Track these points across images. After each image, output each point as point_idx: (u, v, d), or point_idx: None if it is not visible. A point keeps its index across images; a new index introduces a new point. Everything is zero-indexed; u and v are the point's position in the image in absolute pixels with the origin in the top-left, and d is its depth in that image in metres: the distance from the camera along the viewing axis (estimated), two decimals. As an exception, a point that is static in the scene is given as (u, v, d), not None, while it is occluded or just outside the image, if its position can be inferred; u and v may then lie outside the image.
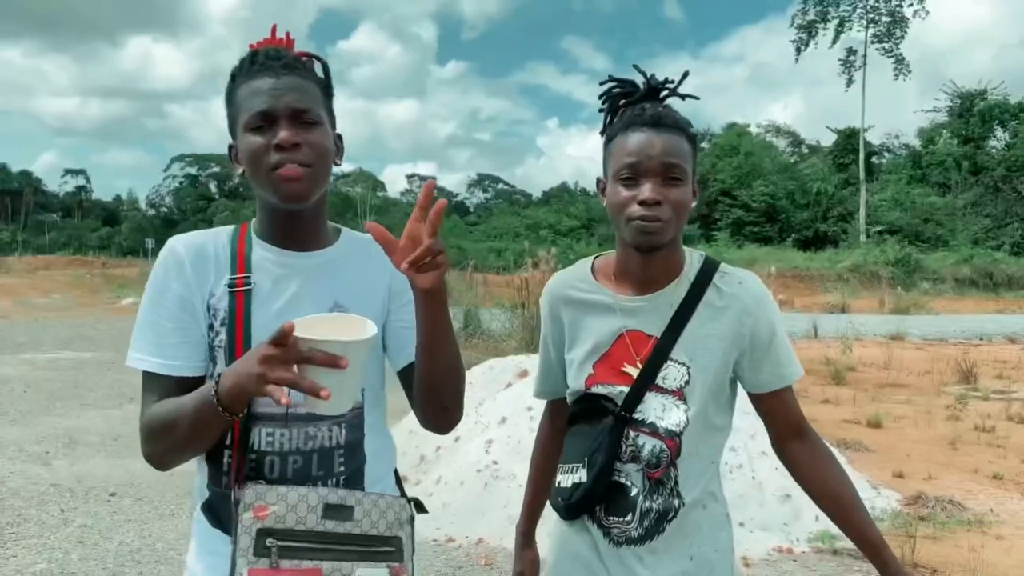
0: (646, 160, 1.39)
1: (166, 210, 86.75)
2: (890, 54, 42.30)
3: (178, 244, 1.37)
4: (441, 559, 3.80)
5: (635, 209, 1.39)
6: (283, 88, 1.30)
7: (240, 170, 1.35)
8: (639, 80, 1.52)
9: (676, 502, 1.47)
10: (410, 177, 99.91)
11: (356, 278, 1.42)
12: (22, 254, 56.30)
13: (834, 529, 1.79)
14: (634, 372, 1.47)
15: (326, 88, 1.39)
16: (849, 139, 47.47)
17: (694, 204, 1.47)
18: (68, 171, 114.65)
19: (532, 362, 5.21)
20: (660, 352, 1.45)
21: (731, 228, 44.05)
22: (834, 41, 42.73)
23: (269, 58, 1.33)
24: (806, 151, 56.54)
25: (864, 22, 42.40)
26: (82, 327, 15.43)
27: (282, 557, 1.23)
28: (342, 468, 1.35)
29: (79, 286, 29.35)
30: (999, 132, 46.39)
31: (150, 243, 54.13)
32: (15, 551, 3.83)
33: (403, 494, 1.44)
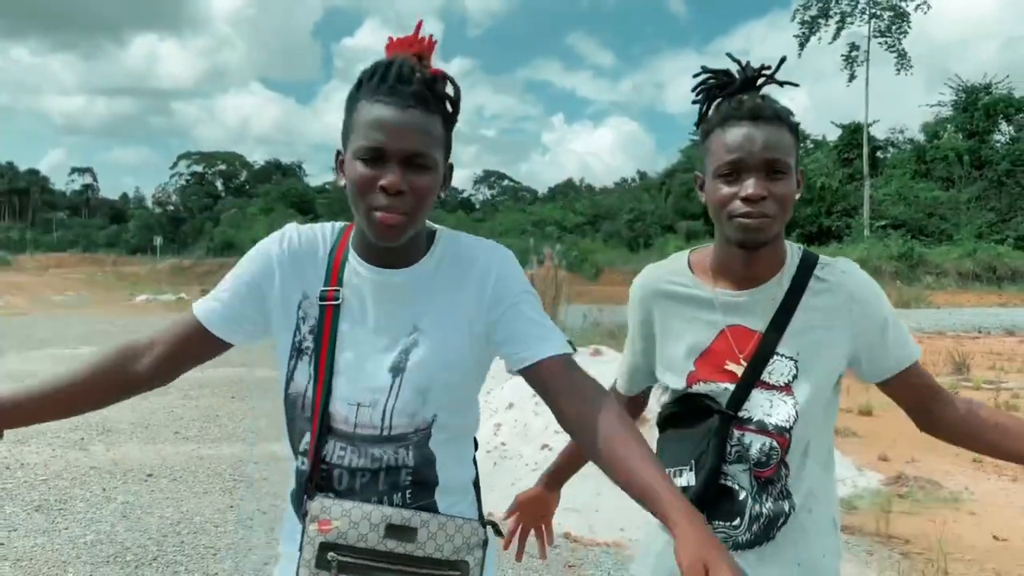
0: (748, 156, 1.35)
1: (173, 208, 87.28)
2: (892, 49, 42.46)
3: (284, 239, 1.40)
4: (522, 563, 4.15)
5: (737, 206, 1.35)
6: (404, 126, 1.24)
7: (342, 183, 1.33)
8: (734, 69, 1.46)
9: (786, 505, 1.43)
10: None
11: (441, 295, 1.37)
12: (32, 252, 56.97)
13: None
14: (738, 369, 1.43)
15: (450, 118, 1.34)
16: (853, 134, 47.58)
17: (798, 196, 1.43)
18: (75, 169, 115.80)
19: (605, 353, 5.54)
20: (766, 347, 1.41)
21: None
22: (835, 36, 42.88)
23: (400, 81, 1.26)
24: (811, 146, 56.71)
25: (866, 17, 42.54)
26: (99, 324, 15.85)
27: (341, 572, 1.26)
28: (408, 486, 1.34)
29: (92, 284, 29.82)
30: (1004, 126, 46.49)
31: (158, 240, 54.63)
32: (65, 524, 4.20)
33: (480, 515, 1.42)
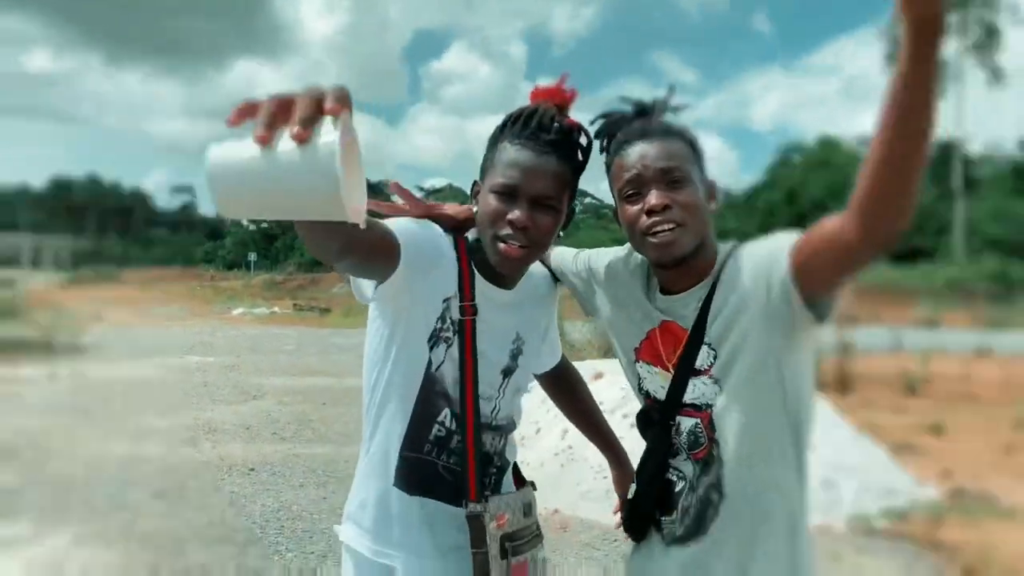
0: (643, 170, 1.35)
1: (266, 225, 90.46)
2: (985, 64, 41.17)
3: (441, 235, 1.50)
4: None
5: (644, 221, 1.34)
6: (538, 170, 1.40)
7: (474, 209, 1.50)
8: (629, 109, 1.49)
9: (715, 494, 1.39)
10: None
11: (532, 311, 1.61)
12: (136, 267, 59.95)
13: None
14: (667, 376, 1.45)
15: (580, 167, 1.48)
16: (947, 150, 46.18)
17: (714, 207, 1.41)
18: (176, 188, 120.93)
19: (605, 365, 5.84)
20: (692, 346, 1.41)
21: None
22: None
23: (541, 128, 1.42)
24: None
25: (956, 33, 41.36)
26: (200, 335, 16.85)
27: (513, 555, 1.46)
28: (495, 472, 1.58)
29: (192, 297, 31.43)
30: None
31: (252, 256, 56.71)
32: (182, 509, 4.78)
33: (523, 479, 1.66)
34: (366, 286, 1.43)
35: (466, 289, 1.47)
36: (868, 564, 4.20)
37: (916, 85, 1.00)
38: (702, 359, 1.40)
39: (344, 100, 0.84)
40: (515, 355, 1.56)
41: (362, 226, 0.93)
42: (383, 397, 1.53)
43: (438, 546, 1.51)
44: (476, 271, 1.49)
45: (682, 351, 1.42)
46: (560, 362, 1.81)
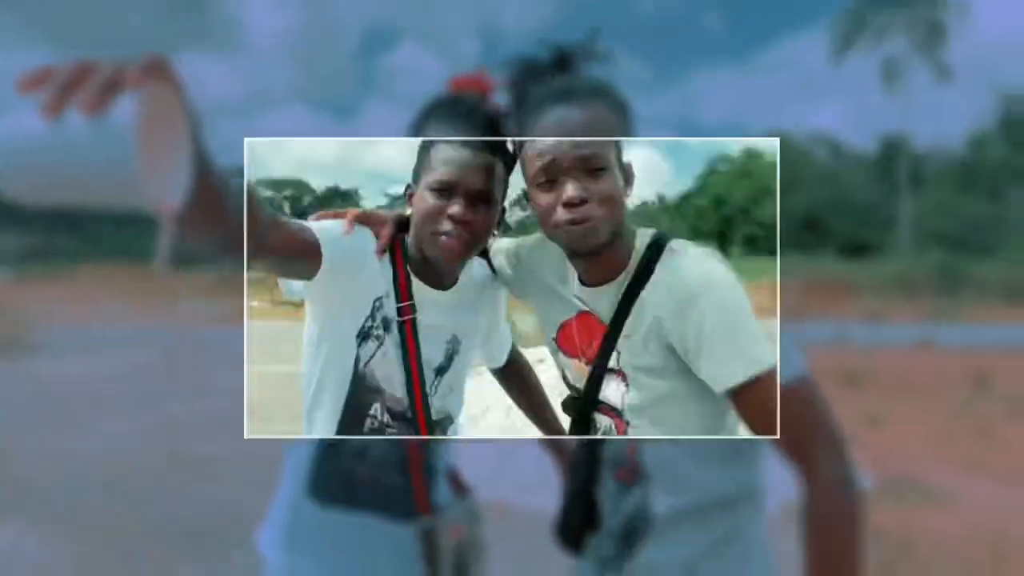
0: (559, 158, 1.21)
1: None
2: (931, 61, 42.29)
3: (369, 236, 1.48)
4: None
5: (560, 214, 1.24)
6: (475, 166, 1.39)
7: (409, 212, 1.49)
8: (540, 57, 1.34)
9: (645, 507, 1.25)
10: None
11: (470, 315, 1.58)
12: (87, 263, 58.62)
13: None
14: (585, 365, 1.38)
15: (512, 159, 1.43)
16: (894, 147, 47.27)
17: (629, 193, 1.30)
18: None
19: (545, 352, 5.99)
20: (608, 343, 1.33)
21: (745, 244, 44.11)
22: (871, 50, 42.88)
23: (470, 117, 1.42)
24: (848, 159, 56.37)
25: (903, 30, 42.44)
26: (155, 331, 16.66)
27: (460, 560, 1.48)
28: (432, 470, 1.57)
29: (147, 293, 30.88)
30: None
31: (205, 253, 55.89)
32: (135, 504, 4.83)
33: (461, 484, 1.67)
34: (295, 283, 1.44)
35: (402, 290, 1.48)
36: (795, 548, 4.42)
37: None
38: (616, 358, 1.33)
39: (153, 69, 0.72)
40: (450, 356, 1.56)
41: (166, 221, 0.81)
42: (315, 397, 1.50)
43: (363, 564, 1.47)
44: (411, 273, 1.50)
45: (599, 346, 1.34)
46: (510, 356, 1.80)
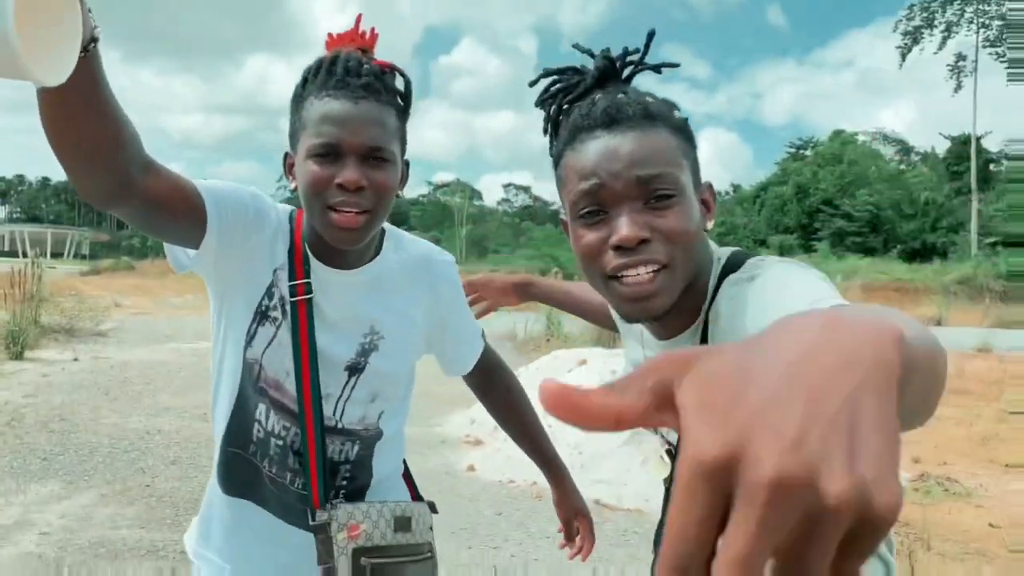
0: (610, 179, 0.93)
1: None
2: (1002, 59, 41.10)
3: (274, 207, 1.33)
4: (503, 494, 5.01)
5: (610, 260, 0.94)
6: (358, 119, 1.17)
7: (293, 186, 1.25)
8: (589, 65, 1.05)
9: None
10: (506, 186, 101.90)
11: (396, 294, 1.36)
12: (153, 259, 60.87)
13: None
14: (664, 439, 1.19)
15: (403, 111, 1.27)
16: (964, 146, 46.06)
17: (710, 224, 1.01)
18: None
19: (590, 353, 6.20)
20: None
21: (832, 239, 43.53)
22: (940, 47, 41.83)
23: (348, 72, 1.20)
24: (916, 159, 55.07)
25: (974, 26, 41.33)
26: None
27: (373, 575, 1.24)
28: (346, 480, 1.35)
29: (205, 288, 31.92)
30: None
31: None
32: (195, 474, 5.20)
33: (419, 496, 1.47)
34: (180, 253, 1.25)
35: (298, 266, 1.27)
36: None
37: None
38: None
39: None
40: (366, 350, 1.33)
41: (46, 84, 0.74)
42: (216, 384, 1.37)
43: (260, 564, 1.37)
44: (309, 251, 1.29)
45: None
46: (482, 363, 1.55)
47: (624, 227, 0.91)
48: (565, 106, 1.04)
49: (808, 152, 54.37)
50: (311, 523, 1.26)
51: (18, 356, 10.00)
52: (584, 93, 1.02)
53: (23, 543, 3.86)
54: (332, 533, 1.24)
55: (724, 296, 0.97)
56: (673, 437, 1.13)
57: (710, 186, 1.03)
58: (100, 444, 5.87)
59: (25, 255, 13.90)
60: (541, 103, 1.08)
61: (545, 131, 1.08)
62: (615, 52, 1.03)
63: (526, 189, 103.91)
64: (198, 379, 9.18)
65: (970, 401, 9.69)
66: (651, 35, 1.03)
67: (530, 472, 5.11)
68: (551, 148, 1.06)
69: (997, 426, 8.02)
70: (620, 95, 0.98)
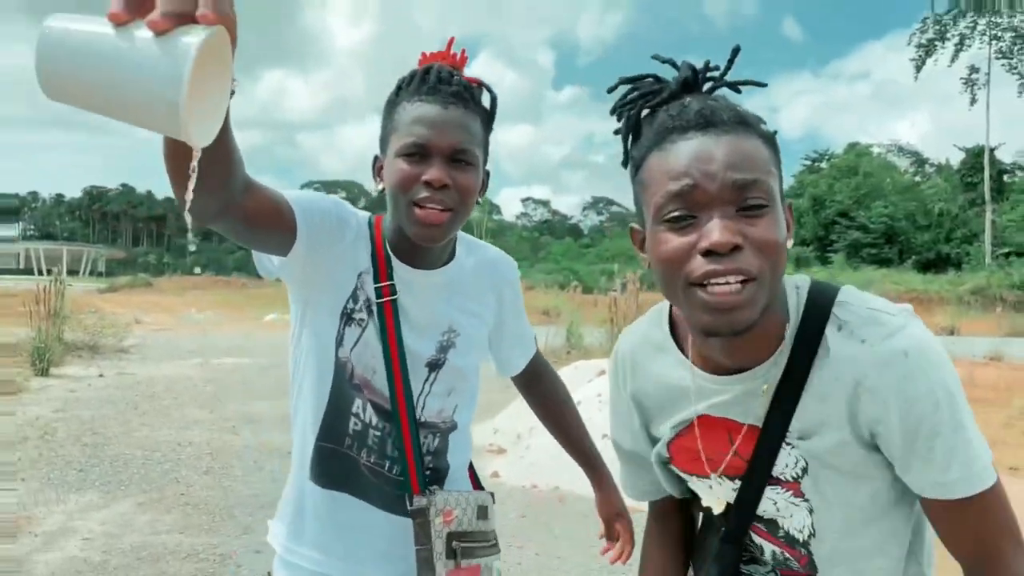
0: (704, 180, 0.89)
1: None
2: (1015, 71, 41.11)
3: (356, 213, 1.40)
4: (527, 498, 5.21)
5: (698, 267, 0.89)
6: (446, 122, 1.25)
7: (381, 187, 1.33)
8: (673, 76, 1.01)
9: None
10: (524, 200, 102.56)
11: (470, 295, 1.45)
12: (171, 275, 61.49)
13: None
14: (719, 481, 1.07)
15: (488, 122, 1.35)
16: (977, 158, 45.97)
17: (790, 243, 0.95)
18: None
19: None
20: (771, 439, 1.00)
21: (848, 250, 43.50)
22: (953, 59, 41.88)
23: (440, 81, 1.28)
24: (930, 170, 54.99)
25: (986, 39, 41.37)
26: (236, 338, 17.63)
27: (462, 557, 1.34)
28: (428, 473, 1.40)
29: (226, 304, 32.36)
30: None
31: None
32: (228, 483, 5.41)
33: (480, 487, 1.54)
34: (266, 260, 1.31)
35: (381, 268, 1.34)
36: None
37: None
38: (785, 464, 1.00)
39: (223, 10, 0.72)
40: (444, 347, 1.41)
41: (195, 154, 0.80)
42: (300, 384, 1.43)
43: (358, 551, 1.41)
44: (391, 253, 1.36)
45: (754, 452, 1.01)
46: (532, 366, 1.64)
47: (716, 231, 0.87)
48: (647, 111, 1.00)
49: (824, 164, 54.43)
50: (410, 508, 1.34)
51: (44, 372, 10.30)
52: (668, 99, 0.99)
53: (68, 548, 4.07)
54: (431, 518, 1.32)
55: (851, 347, 0.94)
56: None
57: (790, 205, 0.99)
58: (133, 456, 6.10)
59: (41, 272, 14.16)
60: (619, 108, 1.03)
61: (625, 136, 1.03)
62: (698, 64, 1.01)
63: (545, 203, 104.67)
64: (225, 393, 9.43)
65: (980, 408, 9.77)
66: (736, 51, 1.00)
67: (552, 478, 5.31)
68: (627, 156, 1.03)
69: (1004, 432, 8.14)
70: (711, 100, 0.96)
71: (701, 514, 1.19)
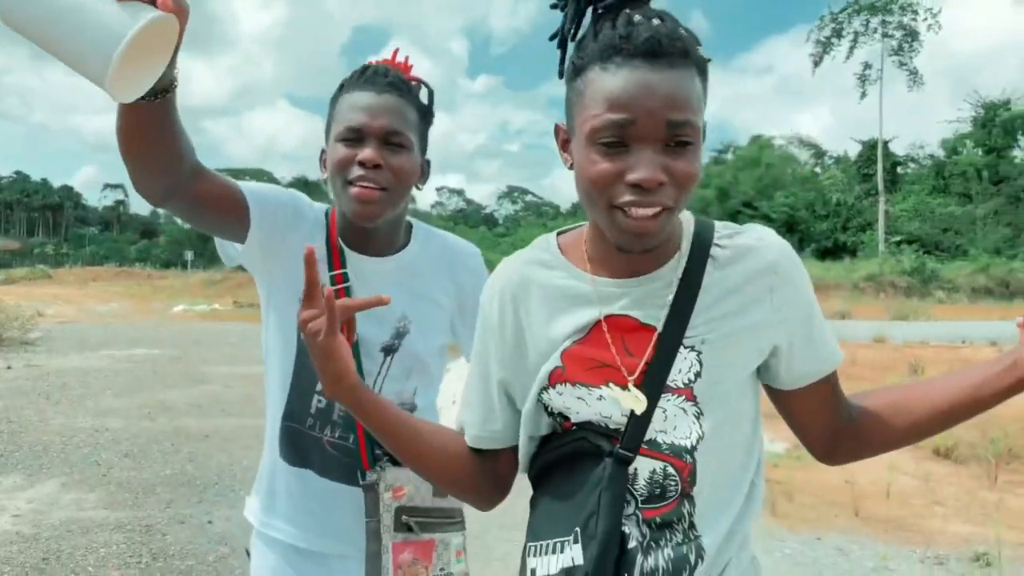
0: (644, 115, 0.92)
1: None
2: (904, 67, 43.42)
3: (311, 205, 1.47)
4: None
5: (621, 193, 0.94)
6: (380, 107, 1.34)
7: (325, 176, 1.40)
8: None
9: (691, 551, 1.01)
10: (439, 189, 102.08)
11: (426, 281, 1.48)
12: (71, 266, 59.11)
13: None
14: (624, 371, 1.02)
15: (425, 114, 1.42)
16: (872, 150, 48.22)
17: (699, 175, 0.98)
18: (107, 185, 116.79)
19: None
20: (669, 341, 1.01)
21: None
22: (848, 55, 43.95)
23: (377, 73, 1.38)
24: (830, 162, 57.36)
25: (879, 36, 43.54)
26: (144, 330, 17.41)
27: (421, 532, 1.38)
28: (387, 454, 1.40)
29: (130, 295, 31.59)
30: (1023, 142, 46.73)
31: (188, 255, 55.86)
32: (148, 464, 5.64)
33: None
34: (230, 247, 1.41)
35: (334, 257, 1.41)
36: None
37: (981, 410, 1.07)
38: (679, 370, 1.02)
39: (180, 9, 0.84)
40: (400, 333, 1.46)
41: (115, 100, 0.89)
42: (267, 365, 1.51)
43: (326, 524, 1.46)
44: (344, 243, 1.43)
45: (650, 357, 1.02)
46: None
47: (646, 168, 0.92)
48: (599, 11, 0.99)
49: (729, 156, 56.28)
50: (361, 483, 1.40)
51: (-53, 366, 10.12)
52: (612, 6, 0.98)
53: (-2, 524, 4.29)
54: (380, 492, 1.37)
55: (749, 239, 1.06)
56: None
57: (705, 125, 1.01)
58: (52, 442, 6.24)
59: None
60: (561, 4, 1.04)
61: (564, 35, 1.03)
62: None
63: (459, 192, 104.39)
64: (138, 383, 9.51)
65: (855, 386, 10.38)
66: None
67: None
68: (564, 56, 1.04)
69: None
70: (657, 22, 0.95)
71: (559, 459, 1.10)
